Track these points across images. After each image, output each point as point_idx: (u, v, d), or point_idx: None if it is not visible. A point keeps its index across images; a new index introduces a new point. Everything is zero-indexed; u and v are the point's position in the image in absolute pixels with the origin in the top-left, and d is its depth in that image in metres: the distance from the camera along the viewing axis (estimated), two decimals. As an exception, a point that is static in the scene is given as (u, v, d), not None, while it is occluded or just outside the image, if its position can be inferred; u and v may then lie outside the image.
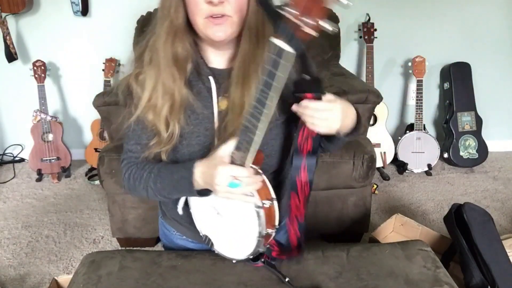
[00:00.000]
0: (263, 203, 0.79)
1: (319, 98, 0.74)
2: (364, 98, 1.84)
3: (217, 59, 0.90)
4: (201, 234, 0.98)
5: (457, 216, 1.56)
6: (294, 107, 0.77)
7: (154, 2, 0.87)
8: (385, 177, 2.66)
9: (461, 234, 1.52)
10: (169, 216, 1.07)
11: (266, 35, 0.81)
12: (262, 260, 0.96)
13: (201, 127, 0.89)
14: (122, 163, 0.96)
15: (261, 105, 0.67)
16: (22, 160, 2.99)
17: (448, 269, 1.26)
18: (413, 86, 2.81)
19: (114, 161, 1.73)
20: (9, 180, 2.73)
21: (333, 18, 2.52)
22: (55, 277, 1.56)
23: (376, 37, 2.65)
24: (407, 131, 2.75)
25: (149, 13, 2.35)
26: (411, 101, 2.90)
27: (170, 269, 1.00)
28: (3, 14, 2.52)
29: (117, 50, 2.72)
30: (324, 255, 1.04)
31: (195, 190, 0.84)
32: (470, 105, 2.78)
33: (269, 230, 0.83)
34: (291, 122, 0.89)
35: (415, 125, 2.71)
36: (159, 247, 1.98)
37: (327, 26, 0.56)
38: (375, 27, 2.64)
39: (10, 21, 2.63)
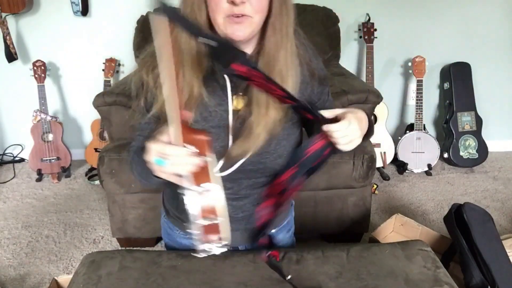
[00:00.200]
0: (195, 189, 0.71)
1: (317, 116, 0.76)
2: (364, 98, 1.84)
3: None
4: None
5: (457, 216, 1.56)
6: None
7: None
8: (385, 177, 2.66)
9: (461, 234, 1.52)
10: (172, 215, 1.07)
11: (289, 36, 0.82)
12: (267, 255, 0.96)
13: (213, 123, 0.89)
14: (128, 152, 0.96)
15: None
16: (22, 160, 3.00)
17: (448, 269, 1.26)
18: (413, 86, 2.82)
19: (114, 161, 1.73)
20: (9, 180, 2.73)
21: (333, 18, 2.53)
22: (55, 277, 1.56)
23: (376, 37, 2.65)
24: (407, 131, 2.75)
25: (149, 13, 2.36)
26: (411, 101, 2.91)
27: (170, 269, 1.00)
28: (3, 14, 2.52)
29: (117, 50, 2.73)
30: (324, 255, 1.04)
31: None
32: (470, 105, 2.78)
33: (204, 221, 0.72)
34: (303, 124, 0.91)
35: (415, 125, 2.71)
36: (159, 247, 1.99)
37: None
38: (375, 27, 2.64)
39: (10, 21, 2.63)
